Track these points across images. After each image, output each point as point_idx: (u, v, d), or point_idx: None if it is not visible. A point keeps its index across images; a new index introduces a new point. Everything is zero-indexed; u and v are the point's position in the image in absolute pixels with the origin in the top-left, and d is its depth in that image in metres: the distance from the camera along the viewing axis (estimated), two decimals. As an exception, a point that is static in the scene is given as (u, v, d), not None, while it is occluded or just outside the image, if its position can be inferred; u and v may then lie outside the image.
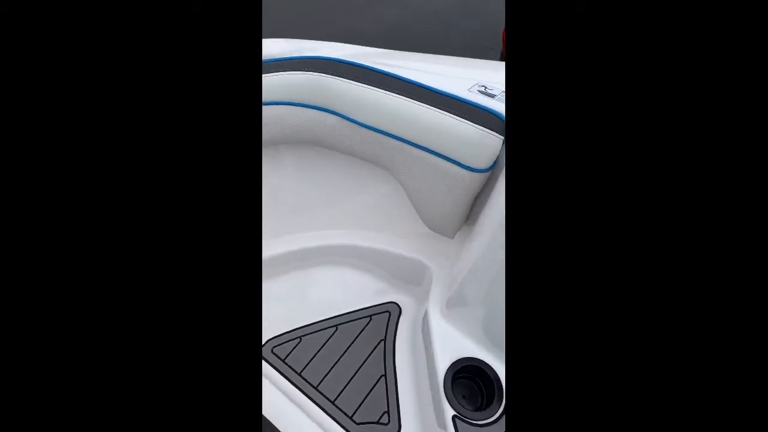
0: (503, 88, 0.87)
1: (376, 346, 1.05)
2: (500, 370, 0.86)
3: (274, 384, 0.99)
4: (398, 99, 0.83)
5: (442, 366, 0.87)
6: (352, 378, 1.00)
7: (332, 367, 1.02)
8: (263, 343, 1.07)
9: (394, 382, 0.98)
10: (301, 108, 0.95)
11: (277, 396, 0.94)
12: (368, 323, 1.10)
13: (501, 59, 2.36)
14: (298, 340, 1.08)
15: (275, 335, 1.08)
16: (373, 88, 0.85)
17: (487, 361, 0.88)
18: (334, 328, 1.10)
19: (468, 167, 0.82)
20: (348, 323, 1.11)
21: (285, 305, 1.14)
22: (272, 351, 1.06)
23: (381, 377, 0.99)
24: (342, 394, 0.98)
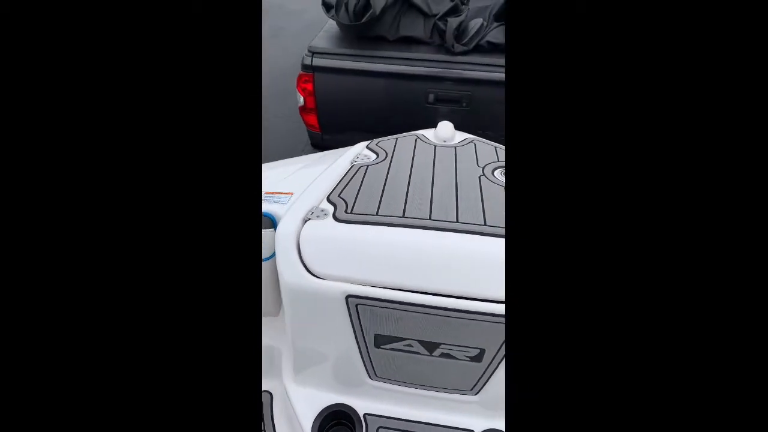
0: (265, 189, 1.06)
1: None
2: (357, 404, 0.93)
3: None
4: None
5: (306, 423, 0.90)
6: None
7: None
8: None
9: None
10: None
11: None
12: None
13: None
14: None
15: None
16: None
17: (347, 402, 0.93)
18: None
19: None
20: None
21: None
22: None
23: None
24: None
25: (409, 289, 0.80)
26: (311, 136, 2.38)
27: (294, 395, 0.97)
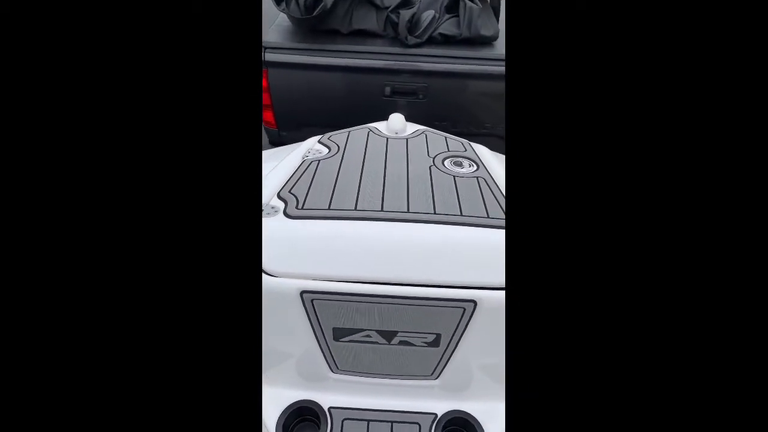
0: None
1: None
2: (321, 399, 0.93)
3: None
4: None
5: (271, 422, 0.89)
6: None
7: None
8: None
9: None
10: None
11: None
12: None
13: None
14: None
15: None
16: None
17: (311, 398, 0.93)
18: None
19: None
20: None
21: None
22: None
23: None
24: None
25: (363, 280, 0.81)
26: (268, 133, 2.34)
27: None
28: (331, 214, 0.89)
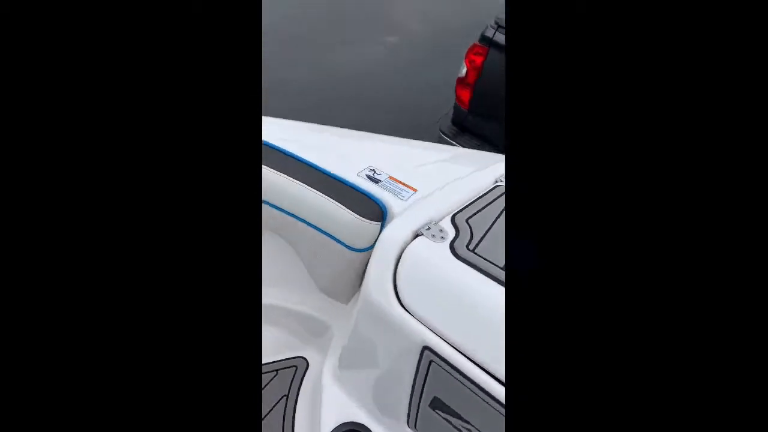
0: (390, 174, 0.99)
1: (277, 403, 0.99)
2: None
3: None
4: (296, 185, 0.95)
5: (326, 428, 0.84)
6: None
7: None
8: None
9: None
10: None
11: None
12: (273, 377, 1.04)
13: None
14: None
15: None
16: (276, 172, 0.97)
17: (372, 429, 0.83)
18: None
19: (348, 246, 0.92)
20: None
21: None
22: None
23: None
24: None
25: (492, 373, 0.65)
26: (456, 111, 2.20)
27: (327, 388, 0.91)
28: (499, 274, 0.72)
